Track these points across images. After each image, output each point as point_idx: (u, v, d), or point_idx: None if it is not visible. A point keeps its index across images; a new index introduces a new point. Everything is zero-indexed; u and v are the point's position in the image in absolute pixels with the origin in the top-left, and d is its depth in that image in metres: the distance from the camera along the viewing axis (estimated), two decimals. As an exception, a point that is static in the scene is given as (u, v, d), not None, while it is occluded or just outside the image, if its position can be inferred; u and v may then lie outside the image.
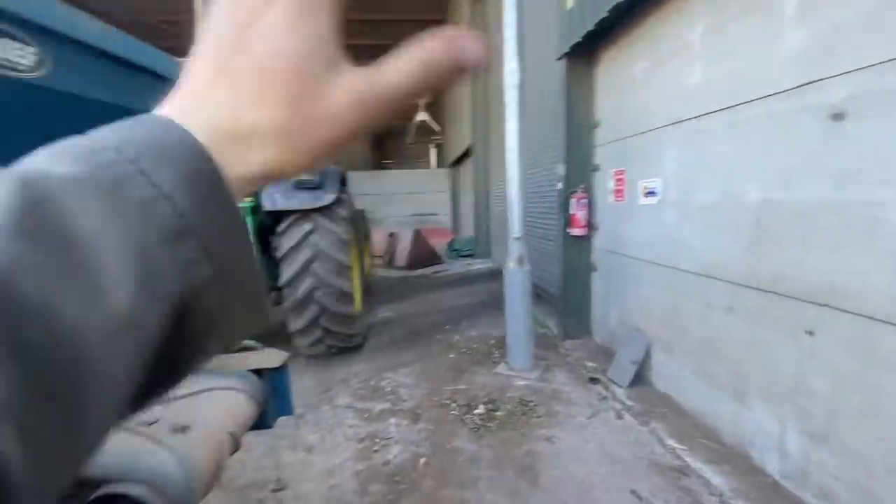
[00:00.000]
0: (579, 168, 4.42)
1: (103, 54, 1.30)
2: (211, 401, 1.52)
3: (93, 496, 1.05)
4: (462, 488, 2.46)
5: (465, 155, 12.36)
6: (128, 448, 1.20)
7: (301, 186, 4.05)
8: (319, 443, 3.00)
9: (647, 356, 3.52)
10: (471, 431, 3.02)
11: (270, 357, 1.85)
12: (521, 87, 3.77)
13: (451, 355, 4.42)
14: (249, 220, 4.14)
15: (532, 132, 6.09)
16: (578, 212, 4.30)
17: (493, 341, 4.69)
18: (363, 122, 0.25)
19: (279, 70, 0.23)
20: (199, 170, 0.21)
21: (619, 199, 3.95)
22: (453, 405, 3.39)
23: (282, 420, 3.31)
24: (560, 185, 4.54)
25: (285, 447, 2.95)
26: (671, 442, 2.77)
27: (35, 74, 1.12)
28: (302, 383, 3.94)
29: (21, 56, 1.07)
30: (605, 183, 4.21)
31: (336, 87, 0.24)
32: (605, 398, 3.39)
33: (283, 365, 1.84)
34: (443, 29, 0.25)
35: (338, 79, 0.25)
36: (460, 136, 12.75)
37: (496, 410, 3.26)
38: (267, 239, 4.24)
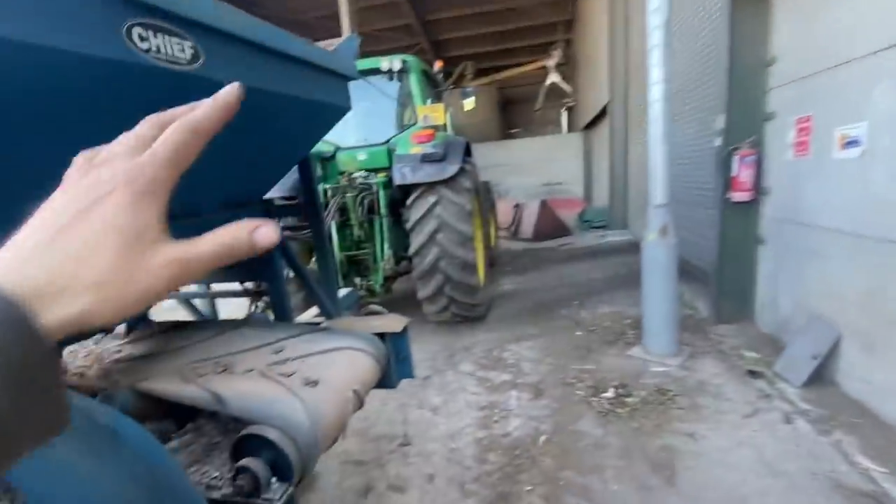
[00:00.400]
0: (746, 118, 3.64)
1: (249, 44, 1.42)
2: (339, 359, 1.64)
3: (240, 434, 1.22)
4: (584, 473, 2.31)
5: (601, 116, 11.33)
6: (269, 395, 1.36)
7: (427, 160, 4.14)
8: (443, 405, 3.13)
9: (832, 351, 2.82)
10: (597, 415, 2.82)
11: (393, 322, 1.93)
12: (668, 26, 3.20)
13: (578, 333, 4.18)
14: (382, 194, 4.41)
15: (681, 79, 5.25)
16: (743, 172, 3.57)
17: (627, 321, 4.29)
18: (175, 280, 0.32)
19: (108, 240, 0.29)
20: (7, 315, 0.25)
21: (802, 153, 3.15)
22: (579, 385, 3.20)
23: (410, 381, 3.55)
24: (719, 142, 3.81)
25: (413, 406, 3.15)
26: (863, 460, 2.19)
27: (192, 66, 1.26)
28: (429, 348, 4.15)
29: (180, 50, 1.20)
30: (781, 134, 3.40)
31: (155, 254, 0.31)
32: (768, 396, 2.84)
33: (403, 330, 1.91)
34: (242, 221, 0.33)
35: (158, 248, 0.31)
36: (595, 96, 11.69)
37: (628, 396, 2.98)
38: (399, 211, 4.48)
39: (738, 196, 3.65)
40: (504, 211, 10.56)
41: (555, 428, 2.73)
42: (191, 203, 1.65)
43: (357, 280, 4.56)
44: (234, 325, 2.02)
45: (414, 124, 4.82)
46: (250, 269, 2.25)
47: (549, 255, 8.08)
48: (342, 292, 2.94)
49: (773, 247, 3.62)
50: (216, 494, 1.19)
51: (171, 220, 0.33)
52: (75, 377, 1.68)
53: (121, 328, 1.92)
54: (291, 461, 1.20)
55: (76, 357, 1.89)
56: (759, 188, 3.62)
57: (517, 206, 10.47)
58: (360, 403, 1.57)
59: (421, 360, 3.90)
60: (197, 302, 2.90)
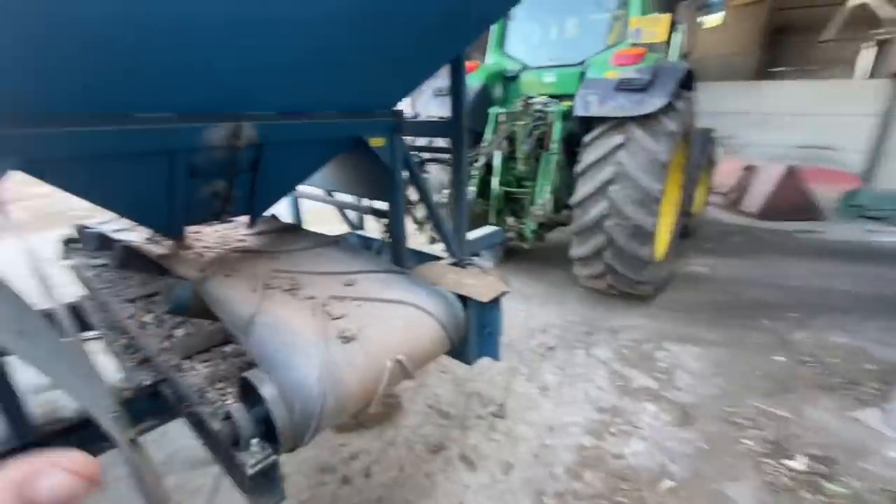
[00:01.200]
0: None
1: None
2: (396, 317, 1.33)
3: (243, 375, 1.04)
4: (712, 563, 1.63)
5: (939, 55, 7.46)
6: (296, 339, 1.15)
7: (623, 87, 3.25)
8: (556, 388, 2.66)
9: None
10: (765, 486, 1.96)
11: (486, 287, 1.51)
12: None
13: (779, 358, 3.00)
14: (557, 126, 3.73)
15: None
16: None
17: (870, 366, 2.88)
18: None
19: None
20: None
21: None
22: (751, 433, 2.29)
23: (529, 345, 3.12)
24: None
25: (522, 376, 2.77)
26: None
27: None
28: (566, 314, 3.60)
29: None
30: None
31: None
32: None
33: (494, 300, 1.48)
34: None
35: None
36: (940, 23, 7.67)
37: (829, 480, 1.99)
38: (574, 150, 3.76)
39: None
40: (726, 171, 8.39)
41: (691, 476, 2.01)
42: (299, 104, 1.46)
43: (510, 220, 4.16)
44: (329, 241, 1.90)
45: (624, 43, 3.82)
46: (375, 187, 2.07)
47: (775, 240, 6.10)
48: (485, 230, 2.61)
49: None
50: (212, 424, 1.08)
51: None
52: (194, 254, 1.81)
53: (244, 218, 1.99)
54: (278, 428, 0.98)
55: (210, 236, 2.06)
56: None
57: (748, 168, 8.12)
58: (406, 375, 1.27)
59: (549, 325, 3.41)
60: (351, 214, 2.96)
